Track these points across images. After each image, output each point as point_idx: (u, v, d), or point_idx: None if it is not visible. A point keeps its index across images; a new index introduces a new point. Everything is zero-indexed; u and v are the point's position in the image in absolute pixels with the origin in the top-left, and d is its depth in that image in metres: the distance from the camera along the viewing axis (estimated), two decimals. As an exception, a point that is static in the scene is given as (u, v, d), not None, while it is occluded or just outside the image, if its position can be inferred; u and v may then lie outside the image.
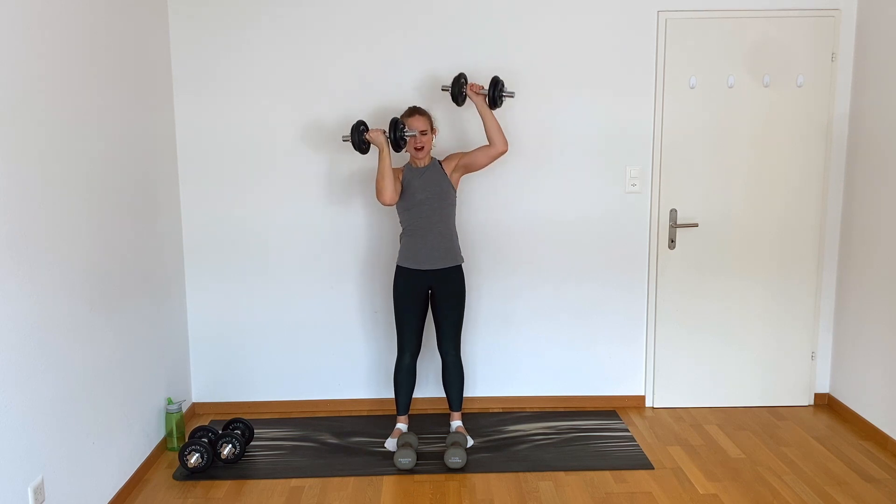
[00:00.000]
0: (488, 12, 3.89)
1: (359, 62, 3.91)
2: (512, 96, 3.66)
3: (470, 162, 3.59)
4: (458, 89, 3.61)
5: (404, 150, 3.55)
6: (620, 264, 4.11)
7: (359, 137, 3.53)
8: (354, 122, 3.62)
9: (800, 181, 4.03)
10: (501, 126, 3.60)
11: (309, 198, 4.02)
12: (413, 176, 3.58)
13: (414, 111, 3.57)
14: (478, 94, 3.56)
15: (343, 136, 3.63)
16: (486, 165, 3.63)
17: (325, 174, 4.01)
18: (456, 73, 3.72)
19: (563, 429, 3.90)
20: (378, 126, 3.78)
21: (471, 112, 3.87)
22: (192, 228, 4.02)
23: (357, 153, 3.87)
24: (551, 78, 3.95)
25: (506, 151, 3.57)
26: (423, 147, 3.54)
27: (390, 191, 3.47)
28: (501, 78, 3.63)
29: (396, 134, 3.45)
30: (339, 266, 4.09)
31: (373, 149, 3.69)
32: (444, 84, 3.76)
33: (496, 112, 3.63)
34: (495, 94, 3.57)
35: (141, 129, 3.48)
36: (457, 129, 3.95)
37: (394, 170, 3.56)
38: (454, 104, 3.71)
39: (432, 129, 3.59)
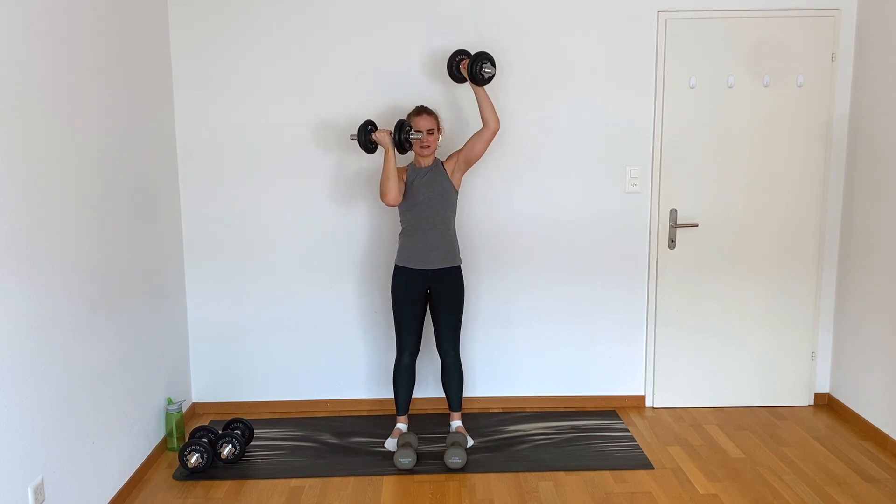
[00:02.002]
0: (488, 11, 3.89)
1: (360, 56, 3.91)
2: (491, 73, 3.52)
3: (467, 153, 3.58)
4: (454, 65, 3.69)
5: (409, 150, 3.55)
6: (620, 264, 4.10)
7: (365, 137, 3.54)
8: (363, 121, 3.62)
9: (800, 181, 4.03)
10: (503, 123, 3.57)
11: (309, 197, 4.02)
12: (415, 176, 3.58)
13: (421, 110, 3.57)
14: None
15: (351, 135, 3.63)
16: (484, 151, 3.59)
17: (326, 174, 4.00)
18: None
19: (563, 429, 3.90)
20: (385, 126, 3.77)
21: (468, 92, 3.83)
22: (192, 228, 4.02)
23: (359, 154, 3.87)
24: (551, 77, 3.94)
25: (498, 130, 3.56)
26: (429, 146, 3.55)
27: (394, 192, 3.48)
28: (494, 65, 3.53)
29: (401, 136, 3.46)
30: (338, 266, 4.09)
31: (379, 149, 3.69)
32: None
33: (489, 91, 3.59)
34: (473, 69, 3.51)
35: (141, 128, 3.48)
36: (453, 108, 3.94)
37: (398, 169, 3.56)
38: (454, 82, 3.78)
39: (438, 129, 3.60)
